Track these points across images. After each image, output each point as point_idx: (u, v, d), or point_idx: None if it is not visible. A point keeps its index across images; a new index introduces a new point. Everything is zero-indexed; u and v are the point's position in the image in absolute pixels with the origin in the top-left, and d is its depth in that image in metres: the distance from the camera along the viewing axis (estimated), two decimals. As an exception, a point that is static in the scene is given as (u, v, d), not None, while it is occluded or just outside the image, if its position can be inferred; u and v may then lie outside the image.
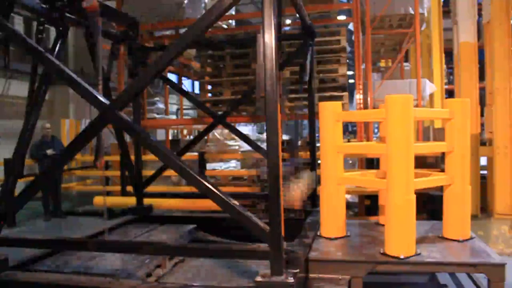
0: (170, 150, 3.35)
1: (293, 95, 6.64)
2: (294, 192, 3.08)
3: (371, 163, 6.13)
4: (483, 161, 6.31)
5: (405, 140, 3.12)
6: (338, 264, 3.14)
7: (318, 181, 4.66)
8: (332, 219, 3.66)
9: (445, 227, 3.60)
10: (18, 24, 9.70)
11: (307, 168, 4.37)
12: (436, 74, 8.89)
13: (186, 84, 13.85)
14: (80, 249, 3.70)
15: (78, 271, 3.41)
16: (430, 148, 3.85)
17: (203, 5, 8.38)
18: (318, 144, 4.06)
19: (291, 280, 2.56)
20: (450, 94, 10.98)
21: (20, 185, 3.45)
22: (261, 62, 2.62)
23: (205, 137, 8.08)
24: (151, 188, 5.52)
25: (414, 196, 3.15)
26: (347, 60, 6.92)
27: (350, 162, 9.59)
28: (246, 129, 14.58)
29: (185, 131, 13.56)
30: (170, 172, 6.15)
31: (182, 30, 8.21)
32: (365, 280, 3.10)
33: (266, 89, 2.63)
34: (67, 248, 3.77)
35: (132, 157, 4.98)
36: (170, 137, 10.93)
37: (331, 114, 3.61)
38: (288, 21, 9.49)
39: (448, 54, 9.12)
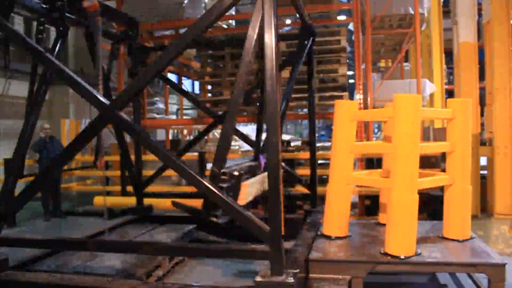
0: (170, 150, 3.34)
1: (293, 95, 6.63)
2: (242, 188, 3.03)
3: (371, 163, 6.13)
4: (483, 161, 6.31)
5: (413, 139, 3.12)
6: (339, 264, 3.14)
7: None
8: (337, 218, 3.65)
9: (445, 227, 3.60)
10: (18, 24, 9.68)
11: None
12: (436, 74, 8.89)
13: (186, 84, 13.84)
14: (80, 249, 3.71)
15: (78, 271, 3.42)
16: (433, 148, 3.85)
17: (203, 5, 8.38)
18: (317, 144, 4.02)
19: (291, 280, 2.56)
20: (450, 94, 10.96)
21: (20, 185, 3.45)
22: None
23: (205, 137, 8.08)
24: (151, 188, 5.52)
25: (417, 196, 3.15)
26: (347, 60, 6.92)
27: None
28: (246, 129, 14.60)
29: (185, 131, 13.56)
30: (170, 172, 6.15)
31: (182, 30, 8.21)
32: (365, 280, 3.10)
33: (266, 89, 2.63)
34: (67, 248, 3.77)
35: (132, 157, 4.98)
36: (170, 137, 10.93)
37: (347, 113, 3.58)
38: (288, 21, 9.49)
39: (448, 54, 9.11)
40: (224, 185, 2.92)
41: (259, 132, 4.77)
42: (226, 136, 2.99)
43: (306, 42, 4.63)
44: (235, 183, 2.98)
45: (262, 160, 3.73)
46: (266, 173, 3.70)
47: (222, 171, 2.94)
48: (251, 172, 3.47)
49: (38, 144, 7.41)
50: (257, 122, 4.83)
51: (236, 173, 2.99)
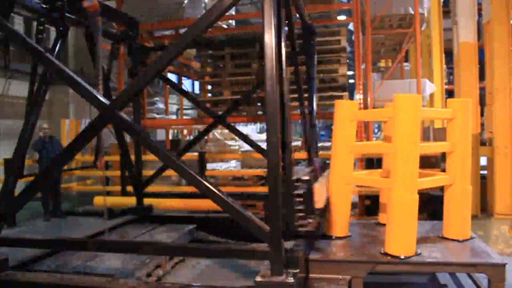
0: (170, 150, 3.34)
1: (292, 95, 6.62)
2: (319, 191, 3.08)
3: (371, 163, 6.12)
4: (483, 161, 6.31)
5: (413, 139, 3.12)
6: (339, 264, 3.14)
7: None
8: (337, 219, 3.65)
9: (445, 227, 3.60)
10: (18, 24, 9.68)
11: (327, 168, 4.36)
12: (436, 74, 8.89)
13: (186, 84, 13.84)
14: (80, 249, 3.70)
15: (78, 271, 3.41)
16: (433, 148, 3.85)
17: (203, 5, 8.38)
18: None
19: (291, 280, 2.56)
20: (450, 94, 10.96)
21: (20, 185, 3.45)
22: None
23: (205, 137, 8.07)
24: (151, 188, 5.51)
25: (417, 196, 3.15)
26: (347, 60, 6.92)
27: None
28: (246, 129, 14.59)
29: (185, 131, 13.56)
30: (170, 172, 6.15)
31: (182, 30, 8.21)
32: (365, 280, 3.10)
33: (266, 89, 2.63)
34: (67, 248, 3.77)
35: (132, 157, 4.98)
36: (170, 137, 10.93)
37: (347, 113, 3.58)
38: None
39: (448, 54, 9.11)
40: (301, 192, 2.95)
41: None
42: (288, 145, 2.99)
43: (312, 42, 4.64)
44: (308, 187, 3.01)
45: (317, 164, 3.76)
46: (326, 175, 3.74)
47: (293, 178, 2.97)
48: (313, 176, 3.49)
49: (38, 144, 7.41)
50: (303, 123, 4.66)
51: (307, 177, 3.01)
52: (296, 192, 2.96)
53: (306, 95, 5.09)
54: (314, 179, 3.30)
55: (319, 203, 3.10)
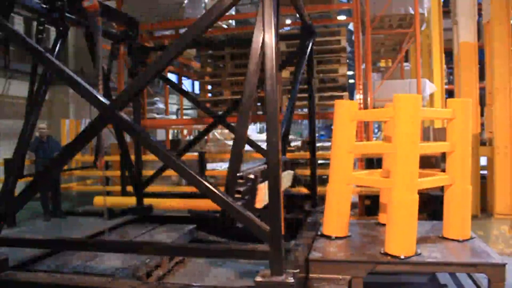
0: (170, 150, 3.34)
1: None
2: (258, 191, 3.05)
3: (371, 163, 6.12)
4: (483, 161, 6.31)
5: (413, 139, 3.12)
6: (339, 264, 3.14)
7: (297, 181, 4.61)
8: (337, 218, 3.65)
9: (445, 227, 3.60)
10: (18, 24, 9.68)
11: (288, 168, 4.32)
12: (436, 74, 8.89)
13: (186, 84, 13.84)
14: (80, 249, 3.70)
15: (78, 271, 3.41)
16: (433, 148, 3.85)
17: (203, 5, 8.38)
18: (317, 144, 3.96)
19: (291, 280, 2.56)
20: (450, 94, 10.96)
21: (20, 185, 3.44)
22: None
23: (205, 137, 8.08)
24: (151, 188, 5.51)
25: (417, 196, 3.15)
26: (347, 60, 6.92)
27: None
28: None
29: (185, 131, 13.56)
30: (170, 172, 6.15)
31: (182, 30, 8.21)
32: (365, 280, 3.10)
33: (266, 89, 2.63)
34: (67, 248, 3.77)
35: (132, 157, 4.98)
36: (170, 137, 10.93)
37: (346, 113, 3.58)
38: (288, 21, 9.49)
39: (448, 54, 9.11)
40: (241, 189, 2.93)
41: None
42: (239, 142, 2.99)
43: (307, 43, 4.62)
44: (252, 186, 3.00)
45: None
46: (284, 174, 3.71)
47: (238, 174, 2.95)
48: (265, 175, 3.47)
49: (33, 144, 7.36)
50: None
51: (252, 176, 3.00)
52: (237, 188, 2.93)
53: (306, 95, 5.08)
54: (265, 179, 3.29)
55: (259, 203, 3.08)
